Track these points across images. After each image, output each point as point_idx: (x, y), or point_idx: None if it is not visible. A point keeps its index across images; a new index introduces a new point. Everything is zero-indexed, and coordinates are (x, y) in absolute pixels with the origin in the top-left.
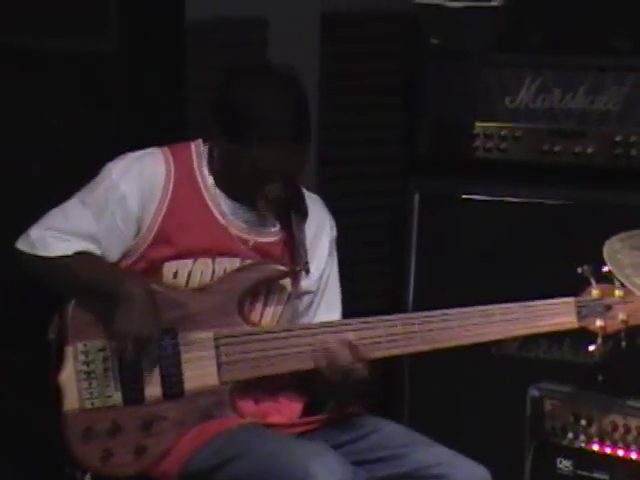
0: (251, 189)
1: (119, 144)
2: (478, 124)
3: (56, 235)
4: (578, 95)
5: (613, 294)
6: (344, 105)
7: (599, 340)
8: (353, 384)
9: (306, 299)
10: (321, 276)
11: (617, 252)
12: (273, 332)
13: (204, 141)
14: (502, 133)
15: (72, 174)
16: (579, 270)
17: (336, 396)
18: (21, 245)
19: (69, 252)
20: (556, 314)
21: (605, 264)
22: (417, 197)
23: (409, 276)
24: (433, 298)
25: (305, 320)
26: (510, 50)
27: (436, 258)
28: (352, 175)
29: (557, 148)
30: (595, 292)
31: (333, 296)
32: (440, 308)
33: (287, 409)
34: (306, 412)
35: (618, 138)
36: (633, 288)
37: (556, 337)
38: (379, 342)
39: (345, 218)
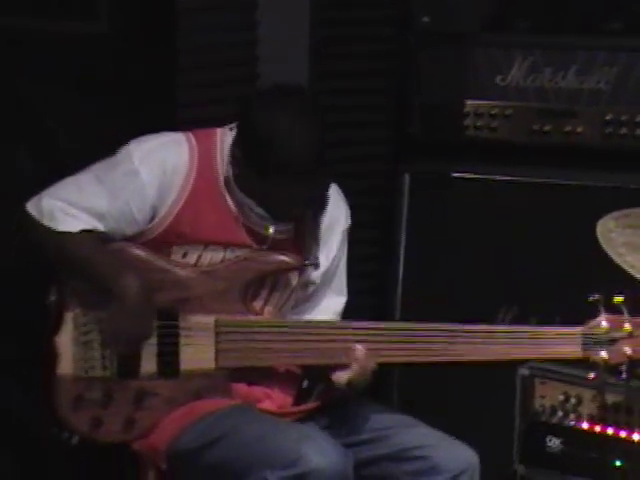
0: (268, 209)
1: (109, 126)
2: (469, 103)
3: (66, 209)
4: (569, 74)
5: (622, 327)
6: (334, 87)
7: (600, 370)
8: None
9: (311, 288)
10: (329, 267)
11: (611, 231)
12: (275, 325)
13: (231, 128)
14: (493, 112)
15: (61, 156)
16: (590, 299)
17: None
18: (30, 208)
19: (75, 230)
20: (561, 344)
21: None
22: (407, 177)
23: (399, 256)
24: (423, 278)
25: (310, 304)
26: (501, 29)
27: (426, 238)
28: (342, 156)
29: (547, 127)
30: (604, 324)
31: (341, 282)
32: (429, 287)
33: (279, 397)
34: (295, 401)
35: (608, 118)
36: (627, 267)
37: (546, 316)
38: (380, 349)
39: None
